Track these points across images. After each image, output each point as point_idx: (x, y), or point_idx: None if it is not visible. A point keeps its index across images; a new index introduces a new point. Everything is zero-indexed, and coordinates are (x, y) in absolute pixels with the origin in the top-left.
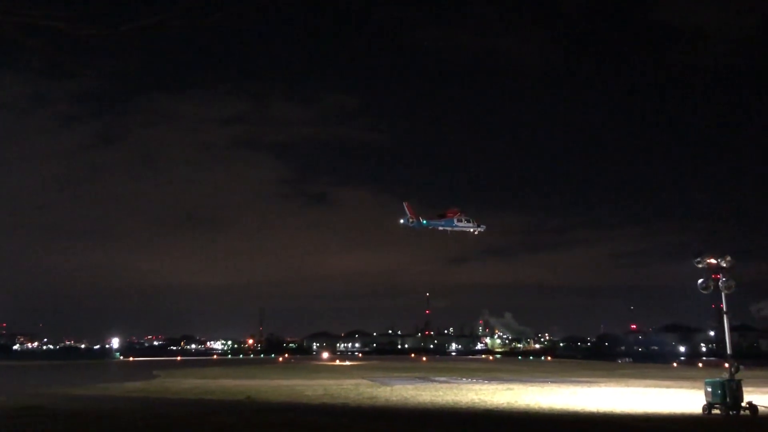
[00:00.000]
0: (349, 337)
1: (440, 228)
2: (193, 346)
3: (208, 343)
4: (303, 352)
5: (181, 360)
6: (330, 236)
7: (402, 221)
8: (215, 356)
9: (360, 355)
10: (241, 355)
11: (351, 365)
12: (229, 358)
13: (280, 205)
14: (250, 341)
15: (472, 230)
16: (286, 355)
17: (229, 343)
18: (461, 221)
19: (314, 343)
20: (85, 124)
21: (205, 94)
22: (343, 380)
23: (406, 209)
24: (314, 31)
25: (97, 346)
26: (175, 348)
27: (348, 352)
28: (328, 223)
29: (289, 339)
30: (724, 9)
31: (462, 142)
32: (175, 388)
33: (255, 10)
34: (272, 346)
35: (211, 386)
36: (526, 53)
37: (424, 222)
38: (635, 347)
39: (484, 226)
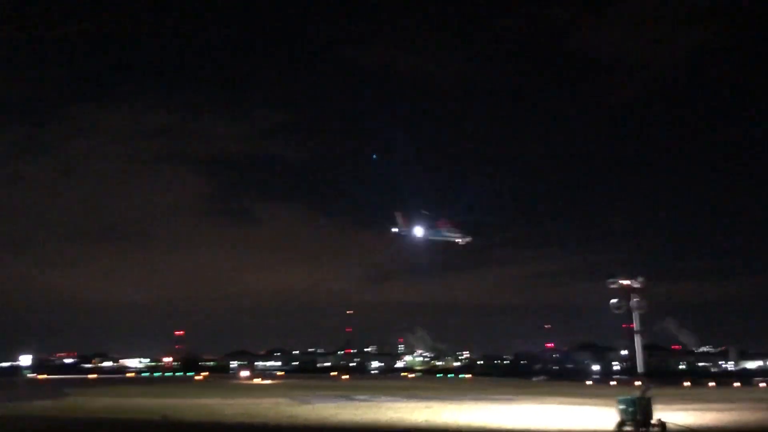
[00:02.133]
0: (268, 355)
1: (429, 237)
2: (108, 364)
3: (123, 361)
4: (221, 370)
5: (94, 378)
6: (252, 253)
7: (395, 230)
8: (130, 375)
9: (280, 373)
10: (157, 374)
11: (271, 384)
12: (145, 377)
13: (202, 221)
14: (167, 359)
15: (458, 240)
16: (204, 373)
17: (145, 361)
18: (449, 231)
19: (233, 362)
20: (5, 134)
21: (129, 106)
22: (263, 399)
23: (399, 219)
24: (243, 45)
25: (7, 364)
26: (88, 366)
27: (268, 370)
28: (251, 240)
29: (207, 357)
30: (639, 42)
31: (386, 160)
32: (87, 407)
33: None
34: (189, 364)
35: (126, 405)
36: (451, 74)
37: (416, 231)
38: (551, 365)
39: (470, 238)
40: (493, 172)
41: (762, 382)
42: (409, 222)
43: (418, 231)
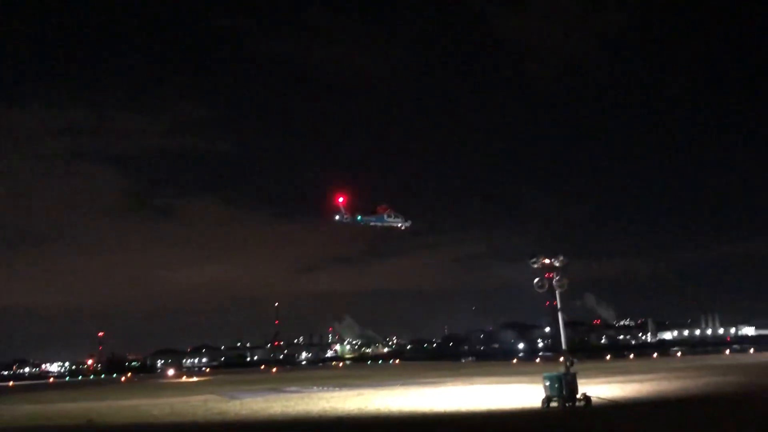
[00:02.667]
0: (195, 352)
1: (371, 223)
2: (27, 369)
3: (44, 366)
4: (147, 370)
5: (13, 385)
6: (174, 249)
7: (337, 217)
8: (52, 379)
9: (207, 370)
10: (80, 377)
11: (198, 381)
12: (68, 381)
13: (122, 219)
14: (90, 362)
15: (399, 225)
16: (129, 374)
17: (67, 365)
18: (391, 216)
19: (159, 361)
20: None
21: (39, 104)
22: (191, 397)
23: (340, 206)
24: (155, 40)
25: None
26: (6, 373)
27: (195, 367)
28: (171, 236)
29: (131, 357)
30: (554, 28)
31: (308, 151)
32: (8, 415)
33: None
34: (113, 365)
35: (49, 411)
36: (373, 64)
37: (359, 218)
38: (478, 346)
39: (410, 222)
40: (417, 158)
41: (679, 351)
42: (351, 209)
43: (361, 217)
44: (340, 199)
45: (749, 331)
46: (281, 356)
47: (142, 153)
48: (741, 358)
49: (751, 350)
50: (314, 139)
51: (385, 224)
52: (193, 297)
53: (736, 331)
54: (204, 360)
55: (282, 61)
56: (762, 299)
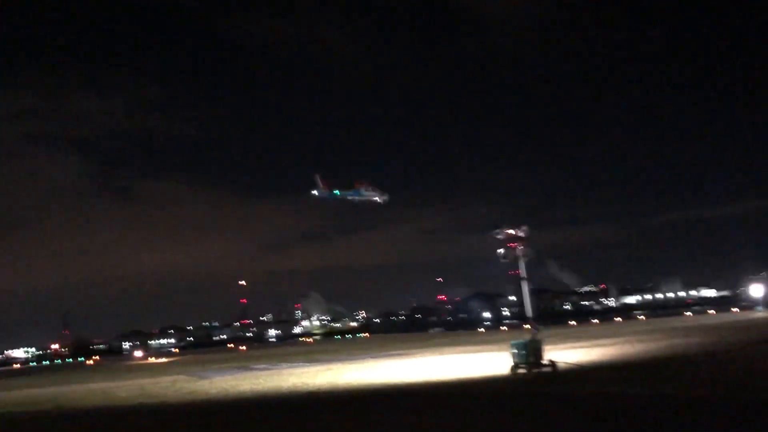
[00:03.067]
0: (162, 333)
1: (348, 197)
2: None
3: (9, 353)
4: (114, 352)
5: None
6: (137, 231)
7: (315, 192)
8: (17, 365)
9: (175, 350)
10: (46, 362)
11: (167, 362)
12: (34, 366)
13: (82, 203)
14: (56, 346)
15: (376, 199)
16: (96, 357)
17: (32, 350)
18: (368, 191)
19: (125, 343)
20: None
21: None
22: (160, 378)
23: (318, 182)
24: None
25: None
26: None
27: (163, 348)
28: (135, 219)
29: (97, 341)
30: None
31: (272, 130)
32: None
33: None
34: (80, 349)
35: (16, 397)
36: (334, 39)
37: (336, 192)
38: (445, 317)
39: (387, 195)
40: (381, 131)
41: (641, 315)
42: (328, 184)
43: (338, 192)
44: (318, 175)
45: (709, 293)
46: (249, 334)
47: (101, 135)
48: (702, 320)
49: (711, 311)
50: (277, 116)
51: (362, 198)
52: (158, 278)
53: (697, 293)
54: (171, 341)
55: (243, 38)
56: (720, 262)
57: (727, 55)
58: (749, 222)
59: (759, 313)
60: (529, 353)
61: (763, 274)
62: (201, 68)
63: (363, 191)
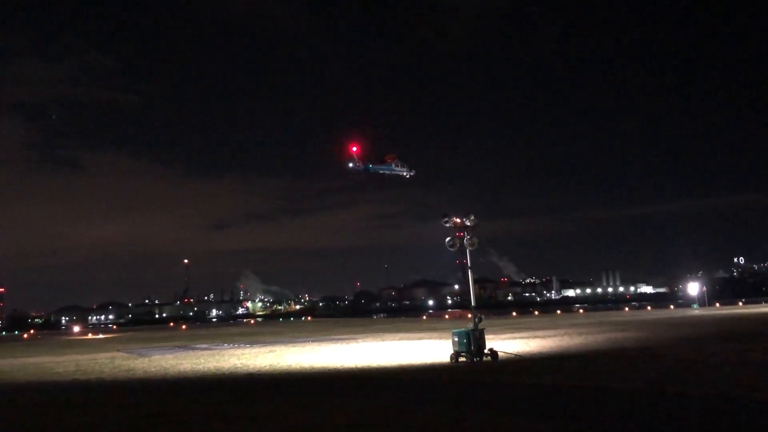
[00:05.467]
0: (102, 309)
1: (380, 171)
2: None
3: None
4: (51, 327)
5: None
6: (80, 204)
7: (350, 165)
8: None
9: (114, 327)
10: None
11: (105, 338)
12: None
13: (25, 172)
14: None
15: (405, 174)
16: (32, 331)
17: None
18: (398, 166)
19: (63, 318)
20: None
21: None
22: (97, 354)
23: (354, 155)
24: None
25: None
26: None
27: (101, 324)
28: (78, 190)
29: (34, 314)
30: None
31: (223, 106)
32: None
33: None
34: (15, 322)
35: None
36: (285, 18)
37: (370, 166)
38: (389, 303)
39: (414, 171)
40: (328, 115)
41: (581, 308)
42: (363, 158)
43: (372, 166)
44: (354, 149)
45: (647, 289)
46: (191, 313)
47: (46, 102)
48: (639, 315)
49: (648, 307)
50: (229, 90)
51: (393, 172)
52: (99, 253)
53: (635, 289)
54: (111, 317)
55: (195, 10)
56: (659, 260)
57: (663, 54)
58: (689, 221)
59: (694, 311)
60: (471, 342)
61: (700, 272)
62: (153, 39)
63: (394, 166)
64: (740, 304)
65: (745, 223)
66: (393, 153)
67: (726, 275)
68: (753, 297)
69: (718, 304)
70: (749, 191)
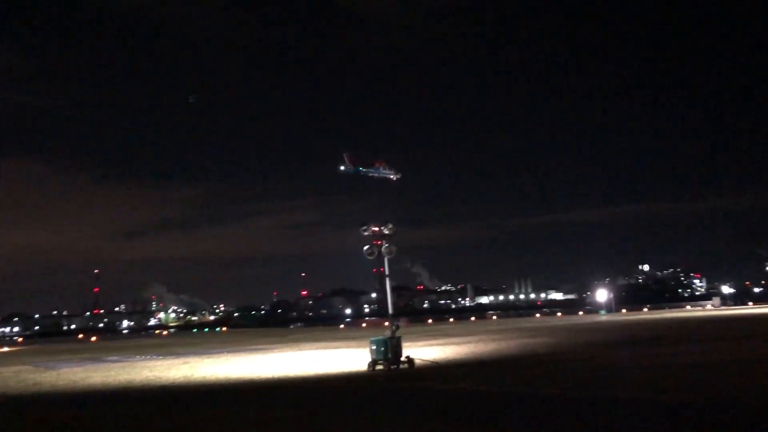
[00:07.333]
0: (6, 321)
1: (370, 174)
2: None
3: None
4: None
5: None
6: None
7: (342, 168)
8: None
9: (20, 339)
10: None
11: (9, 351)
12: None
13: None
14: None
15: (392, 177)
16: None
17: None
18: (386, 169)
19: None
20: None
21: None
22: (1, 368)
23: (346, 159)
24: None
25: None
26: None
27: (6, 337)
28: None
29: None
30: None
31: (137, 112)
32: None
33: None
34: None
35: None
36: (210, 23)
37: (360, 169)
38: (306, 312)
39: (401, 175)
40: (253, 122)
41: (494, 315)
42: (355, 161)
43: (362, 168)
44: (346, 153)
45: (557, 296)
46: (101, 325)
47: None
48: (550, 321)
49: (559, 314)
50: (143, 96)
51: (381, 175)
52: (3, 262)
53: (546, 296)
54: (15, 329)
55: (112, 12)
56: (568, 267)
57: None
58: (598, 229)
59: (602, 317)
60: (388, 350)
61: (607, 279)
62: (66, 40)
63: (382, 169)
64: (645, 310)
65: (649, 232)
66: (382, 159)
67: (629, 282)
68: (657, 303)
69: (624, 311)
70: (653, 200)
